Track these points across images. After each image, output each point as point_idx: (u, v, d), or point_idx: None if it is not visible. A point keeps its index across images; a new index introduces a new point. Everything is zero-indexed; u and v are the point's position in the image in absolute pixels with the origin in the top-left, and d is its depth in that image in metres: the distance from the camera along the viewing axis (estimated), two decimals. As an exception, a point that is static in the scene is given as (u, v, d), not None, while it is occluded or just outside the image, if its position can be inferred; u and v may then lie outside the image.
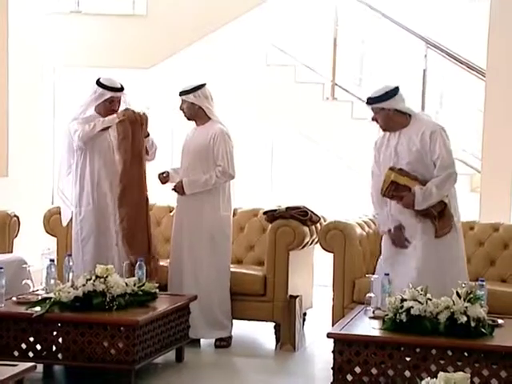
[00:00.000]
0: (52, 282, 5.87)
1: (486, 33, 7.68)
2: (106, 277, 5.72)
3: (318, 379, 5.90)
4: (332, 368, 5.23)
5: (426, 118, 6.07)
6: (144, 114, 6.62)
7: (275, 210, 6.85)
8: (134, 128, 6.53)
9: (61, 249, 6.93)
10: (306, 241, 6.79)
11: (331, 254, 6.55)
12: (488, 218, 7.10)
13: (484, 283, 5.56)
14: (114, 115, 6.52)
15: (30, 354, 5.51)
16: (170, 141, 9.60)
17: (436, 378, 3.73)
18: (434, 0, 10.09)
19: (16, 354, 5.50)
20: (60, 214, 6.82)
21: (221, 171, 6.56)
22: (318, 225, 6.87)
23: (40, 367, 5.52)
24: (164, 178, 6.75)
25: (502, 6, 7.60)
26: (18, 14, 8.15)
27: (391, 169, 5.85)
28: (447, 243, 5.87)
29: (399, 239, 5.92)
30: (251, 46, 9.58)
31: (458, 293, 5.20)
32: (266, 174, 10.07)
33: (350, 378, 5.20)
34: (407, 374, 5.10)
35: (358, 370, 5.18)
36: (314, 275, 7.30)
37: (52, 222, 7.05)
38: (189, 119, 6.71)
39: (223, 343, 6.66)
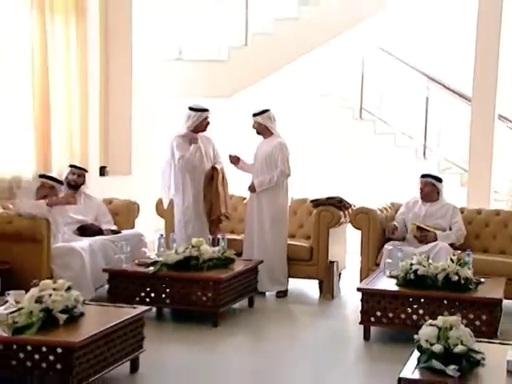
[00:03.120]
0: (161, 249, 5.93)
1: (472, 70, 7.59)
2: (199, 246, 5.78)
3: (350, 320, 5.88)
4: (360, 312, 5.25)
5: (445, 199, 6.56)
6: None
7: (319, 199, 6.84)
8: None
9: (168, 227, 6.96)
10: (341, 221, 6.76)
11: (359, 231, 6.53)
12: (473, 205, 7.02)
13: (470, 252, 5.53)
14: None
15: (147, 300, 5.58)
16: (247, 150, 9.63)
17: (436, 319, 3.72)
18: (434, 46, 9.96)
19: (137, 299, 5.56)
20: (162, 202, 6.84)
21: (280, 172, 6.57)
22: (350, 210, 6.84)
23: (154, 309, 5.59)
24: (233, 157, 6.71)
25: (483, 51, 7.50)
26: (138, 60, 8.24)
27: (413, 223, 6.38)
28: None
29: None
30: (309, 81, 9.56)
31: (452, 259, 5.19)
32: (313, 173, 10.05)
33: (373, 319, 5.22)
34: (414, 317, 5.09)
35: (378, 313, 5.19)
36: (347, 246, 7.27)
37: (161, 208, 7.02)
38: (258, 134, 6.73)
39: (281, 294, 6.65)
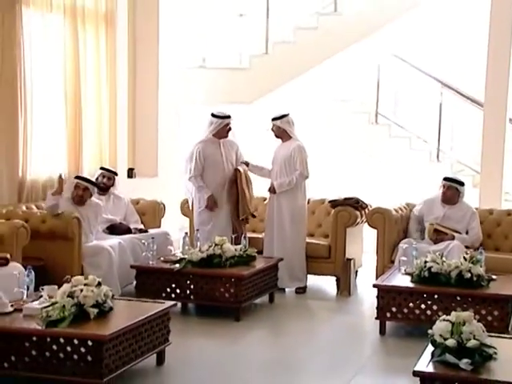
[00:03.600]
0: (186, 247, 5.93)
1: (484, 77, 7.55)
2: (222, 244, 5.78)
3: (366, 315, 5.85)
4: (376, 308, 5.23)
5: (466, 202, 6.46)
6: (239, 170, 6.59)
7: (336, 200, 6.82)
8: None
9: (192, 226, 6.95)
10: (357, 221, 6.73)
11: (375, 230, 6.49)
12: (485, 206, 6.96)
13: (483, 251, 5.49)
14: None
15: (173, 296, 5.60)
16: (264, 152, 9.62)
17: (449, 315, 3.70)
18: (447, 53, 9.91)
19: (163, 295, 5.59)
20: (187, 203, 6.90)
21: (299, 174, 6.55)
22: (366, 210, 6.81)
23: (179, 305, 5.62)
24: (242, 163, 6.66)
25: (495, 57, 7.46)
26: (164, 68, 8.28)
27: (431, 224, 6.24)
28: None
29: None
30: (327, 87, 9.55)
31: (464, 257, 5.15)
32: (332, 175, 10.03)
33: (388, 314, 5.20)
34: (428, 312, 5.07)
35: (394, 309, 5.17)
36: (364, 244, 7.24)
37: (185, 208, 7.07)
38: (277, 137, 6.71)
39: (301, 291, 6.63)
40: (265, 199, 7.09)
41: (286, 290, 6.65)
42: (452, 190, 6.31)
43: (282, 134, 6.63)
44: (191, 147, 6.61)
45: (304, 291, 6.64)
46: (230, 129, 6.59)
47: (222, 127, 6.53)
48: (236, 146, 6.72)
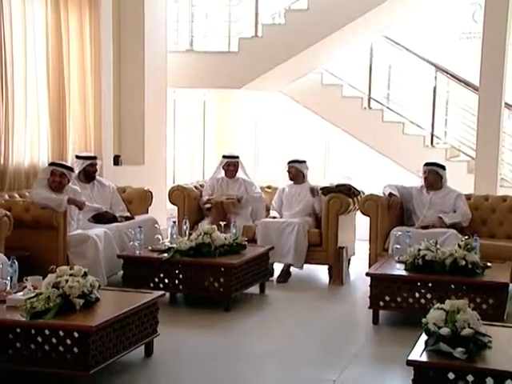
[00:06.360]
0: (174, 236, 5.94)
1: (479, 59, 7.56)
2: (211, 233, 5.79)
3: (359, 304, 5.88)
4: (369, 297, 5.25)
5: (450, 186, 6.57)
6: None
7: (328, 187, 6.84)
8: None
9: (180, 214, 6.98)
10: (350, 208, 6.76)
11: (368, 218, 6.52)
12: (481, 192, 7.00)
13: (477, 238, 5.52)
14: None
15: (161, 286, 5.61)
16: (253, 137, 9.63)
17: (443, 303, 3.72)
18: (441, 37, 9.91)
19: (151, 285, 5.59)
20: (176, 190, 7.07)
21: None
22: (359, 197, 6.84)
23: (167, 295, 5.60)
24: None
25: (490, 41, 7.48)
26: (150, 52, 8.25)
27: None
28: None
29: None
30: (312, 71, 9.55)
31: (459, 244, 5.18)
32: (323, 161, 10.05)
33: (381, 303, 5.22)
34: (422, 301, 5.09)
35: (387, 298, 5.19)
36: (356, 232, 7.26)
37: (174, 196, 7.05)
38: (291, 179, 7.00)
39: (281, 279, 6.62)
40: (269, 187, 7.31)
41: (275, 282, 6.62)
42: (433, 174, 6.44)
43: (298, 177, 6.96)
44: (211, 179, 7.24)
45: (285, 281, 6.63)
46: (230, 169, 7.04)
47: (222, 166, 7.10)
48: (248, 187, 7.06)
